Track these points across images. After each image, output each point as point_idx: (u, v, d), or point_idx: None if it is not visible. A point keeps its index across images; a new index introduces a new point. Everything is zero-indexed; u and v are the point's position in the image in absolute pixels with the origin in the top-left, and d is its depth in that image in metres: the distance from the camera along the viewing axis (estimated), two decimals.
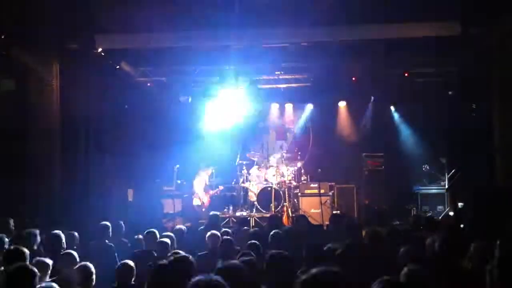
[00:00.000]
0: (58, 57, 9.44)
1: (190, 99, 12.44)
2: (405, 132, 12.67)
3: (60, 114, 9.53)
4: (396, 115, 12.91)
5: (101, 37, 9.78)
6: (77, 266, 4.82)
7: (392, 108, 12.91)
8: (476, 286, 3.93)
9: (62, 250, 5.80)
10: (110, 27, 9.43)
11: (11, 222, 6.95)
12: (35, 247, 6.05)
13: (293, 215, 10.88)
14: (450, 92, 11.43)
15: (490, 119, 9.61)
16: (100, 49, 9.90)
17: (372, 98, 12.37)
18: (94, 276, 4.65)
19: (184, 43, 10.42)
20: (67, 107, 9.64)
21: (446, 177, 11.42)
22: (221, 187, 12.14)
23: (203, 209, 11.70)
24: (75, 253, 5.35)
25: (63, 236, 6.10)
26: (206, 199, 11.82)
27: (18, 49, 8.85)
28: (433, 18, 9.23)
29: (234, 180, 12.35)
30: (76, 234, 6.57)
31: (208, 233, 6.35)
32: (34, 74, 9.21)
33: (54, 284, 3.85)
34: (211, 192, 12.02)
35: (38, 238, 6.23)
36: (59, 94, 9.50)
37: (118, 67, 11.07)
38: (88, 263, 4.73)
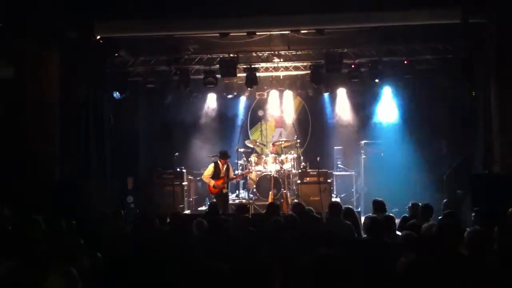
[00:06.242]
0: (57, 45, 9.41)
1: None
2: (405, 119, 12.64)
3: (59, 101, 9.53)
4: (396, 102, 12.87)
5: (100, 24, 9.76)
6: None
7: (392, 94, 12.87)
8: (472, 272, 3.97)
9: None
10: (109, 14, 9.41)
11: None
12: None
13: (292, 202, 10.89)
14: (449, 80, 11.40)
15: (489, 106, 9.60)
16: (98, 37, 9.89)
17: (372, 85, 12.33)
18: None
19: (183, 31, 10.44)
20: (67, 95, 9.63)
21: (446, 164, 11.44)
22: (238, 176, 11.69)
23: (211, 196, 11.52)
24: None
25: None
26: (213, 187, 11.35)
27: (17, 37, 8.81)
28: (433, 5, 9.22)
29: (234, 168, 12.37)
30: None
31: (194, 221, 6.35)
32: (33, 62, 9.18)
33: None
34: (232, 176, 11.37)
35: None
36: (58, 82, 9.48)
37: (117, 55, 11.07)
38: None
